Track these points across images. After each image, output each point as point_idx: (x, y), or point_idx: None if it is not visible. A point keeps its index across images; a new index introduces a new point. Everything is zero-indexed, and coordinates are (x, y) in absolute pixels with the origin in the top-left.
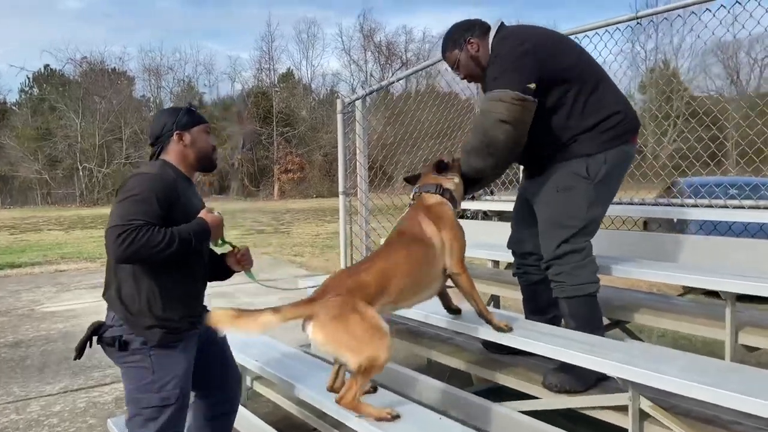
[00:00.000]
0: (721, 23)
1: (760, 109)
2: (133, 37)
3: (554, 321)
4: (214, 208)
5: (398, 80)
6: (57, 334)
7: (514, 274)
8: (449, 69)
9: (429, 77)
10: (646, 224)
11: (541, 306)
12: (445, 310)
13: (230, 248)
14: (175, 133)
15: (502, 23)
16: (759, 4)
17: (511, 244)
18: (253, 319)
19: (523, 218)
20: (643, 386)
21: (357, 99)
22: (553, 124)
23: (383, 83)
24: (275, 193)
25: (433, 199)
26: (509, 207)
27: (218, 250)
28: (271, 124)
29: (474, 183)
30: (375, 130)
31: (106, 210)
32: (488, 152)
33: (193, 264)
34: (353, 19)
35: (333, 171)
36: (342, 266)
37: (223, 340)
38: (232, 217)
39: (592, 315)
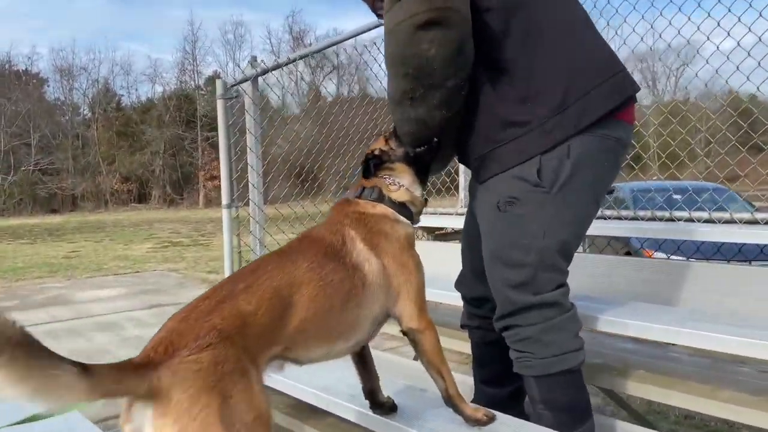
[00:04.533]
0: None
1: (682, 115)
2: (43, 37)
3: (517, 395)
4: None
5: (300, 58)
6: None
7: (462, 326)
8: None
9: (361, 82)
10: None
11: (498, 374)
12: (369, 401)
13: None
14: None
15: None
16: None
17: (459, 284)
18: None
19: (473, 246)
20: None
21: (244, 80)
22: (480, 91)
23: (280, 61)
24: (200, 201)
25: (373, 208)
26: (448, 222)
27: None
28: (195, 129)
29: (429, 153)
30: (306, 135)
31: (12, 221)
32: (422, 86)
33: None
34: (281, 21)
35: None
36: None
37: None
38: (149, 227)
39: (576, 399)
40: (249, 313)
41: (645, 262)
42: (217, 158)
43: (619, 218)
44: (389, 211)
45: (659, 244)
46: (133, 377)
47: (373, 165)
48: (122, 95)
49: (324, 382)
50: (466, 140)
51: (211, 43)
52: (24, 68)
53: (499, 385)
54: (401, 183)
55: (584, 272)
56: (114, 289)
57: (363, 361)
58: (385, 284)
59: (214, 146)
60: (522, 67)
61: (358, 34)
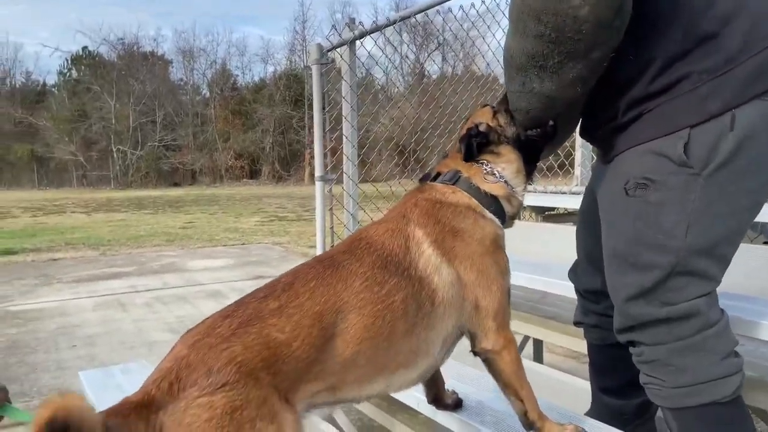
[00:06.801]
0: None
1: None
2: (167, 21)
3: (647, 408)
4: None
5: (401, 20)
6: (4, 342)
7: (576, 323)
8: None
9: (466, 59)
10: None
11: (622, 382)
12: (431, 403)
13: None
14: None
15: None
16: None
17: (573, 273)
18: None
19: (591, 232)
20: None
21: (341, 44)
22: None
23: (379, 23)
24: (306, 178)
25: (452, 194)
26: (561, 201)
27: None
28: (303, 108)
29: (543, 138)
30: (410, 113)
31: (139, 193)
32: (559, 54)
33: None
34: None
35: (364, 156)
36: None
37: None
38: (258, 201)
39: None
40: (281, 343)
41: None
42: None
43: None
44: (473, 201)
45: None
46: (129, 425)
47: (477, 145)
48: (237, 75)
49: None
50: (591, 108)
51: (319, 23)
52: (150, 50)
53: (624, 395)
54: (502, 174)
55: (735, 266)
56: (221, 260)
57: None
58: (459, 298)
59: None
60: (674, 14)
61: None
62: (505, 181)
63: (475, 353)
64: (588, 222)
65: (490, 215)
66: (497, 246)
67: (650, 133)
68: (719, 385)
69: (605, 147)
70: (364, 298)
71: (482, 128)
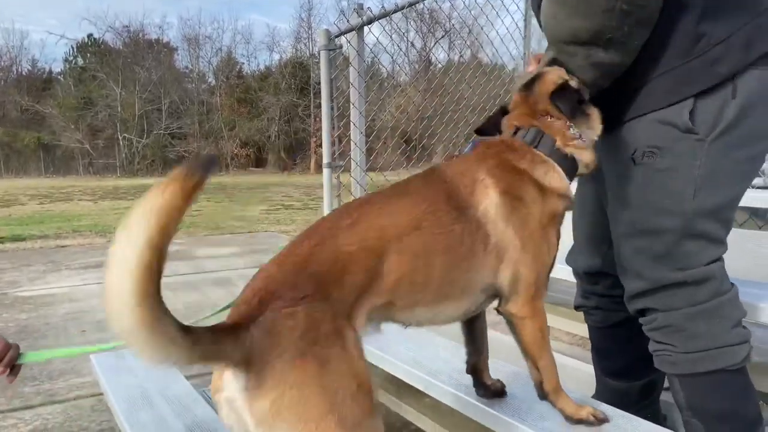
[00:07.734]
0: None
1: None
2: (173, 8)
3: (650, 390)
4: None
5: (410, 5)
6: (14, 327)
7: (577, 307)
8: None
9: (473, 47)
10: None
11: (626, 363)
12: (472, 380)
13: None
14: None
15: None
16: None
17: (572, 257)
18: None
19: (589, 213)
20: None
21: (349, 30)
22: None
23: (387, 9)
24: (312, 167)
25: (532, 159)
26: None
27: None
28: (309, 96)
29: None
30: (416, 102)
31: (145, 181)
32: (630, 24)
33: None
34: None
35: (371, 144)
36: None
37: None
38: (265, 190)
39: (736, 407)
40: (349, 254)
41: None
42: None
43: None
44: (556, 173)
45: None
46: (229, 341)
47: (577, 102)
48: (243, 63)
49: (422, 359)
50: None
51: (325, 11)
52: (155, 37)
53: (628, 377)
54: (591, 137)
55: (745, 252)
56: (228, 248)
57: (472, 332)
58: (505, 254)
59: None
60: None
61: None
62: (592, 148)
63: (499, 312)
64: (585, 203)
65: (565, 189)
66: (557, 219)
67: (655, 102)
68: (729, 353)
69: (608, 117)
70: (428, 220)
71: (573, 84)
